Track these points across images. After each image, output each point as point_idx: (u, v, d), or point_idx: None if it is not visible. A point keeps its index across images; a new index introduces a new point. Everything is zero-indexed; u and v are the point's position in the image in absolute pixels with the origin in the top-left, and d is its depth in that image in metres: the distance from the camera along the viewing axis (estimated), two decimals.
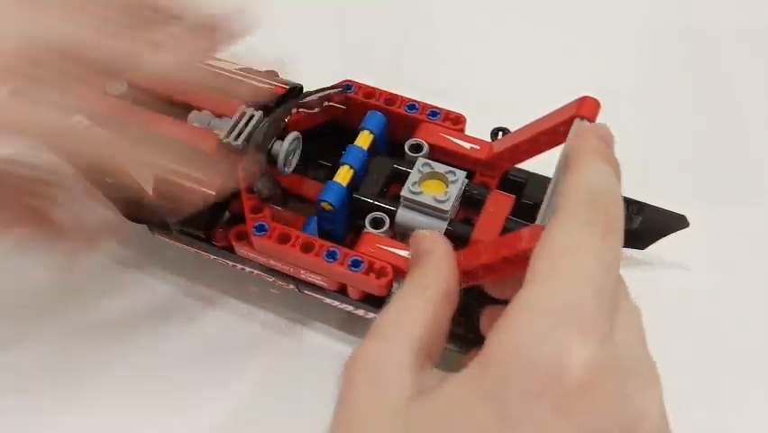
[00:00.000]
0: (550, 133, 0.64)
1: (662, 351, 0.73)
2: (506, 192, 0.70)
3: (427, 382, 0.47)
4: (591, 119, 0.62)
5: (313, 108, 0.72)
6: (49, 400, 0.72)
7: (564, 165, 0.57)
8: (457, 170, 0.68)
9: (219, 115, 0.72)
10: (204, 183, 0.68)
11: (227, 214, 0.72)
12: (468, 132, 0.73)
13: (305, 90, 0.77)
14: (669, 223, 0.74)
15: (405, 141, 0.71)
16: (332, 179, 0.67)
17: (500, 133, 0.73)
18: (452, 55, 0.98)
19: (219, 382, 0.72)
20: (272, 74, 0.80)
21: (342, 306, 0.70)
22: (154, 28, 0.60)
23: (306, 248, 0.64)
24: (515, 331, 0.44)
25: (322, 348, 0.74)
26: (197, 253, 0.74)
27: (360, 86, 0.74)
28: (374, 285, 0.63)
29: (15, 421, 0.71)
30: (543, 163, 0.70)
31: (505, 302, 0.68)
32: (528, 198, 0.72)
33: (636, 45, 0.98)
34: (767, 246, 0.80)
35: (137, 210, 0.74)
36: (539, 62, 0.96)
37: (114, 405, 0.71)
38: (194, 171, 0.68)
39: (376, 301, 0.67)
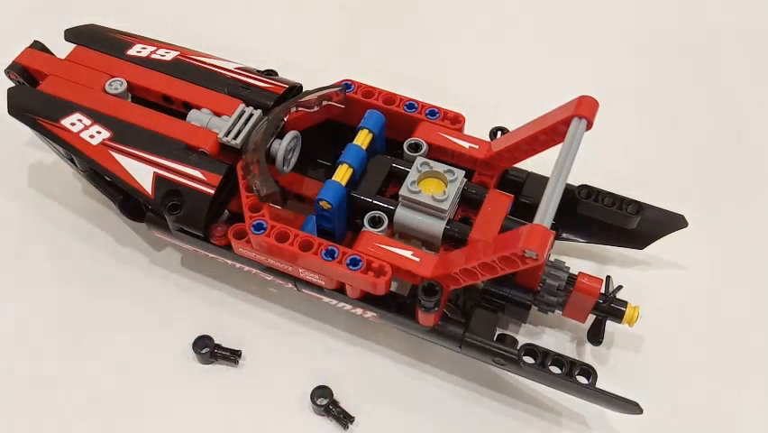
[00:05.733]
0: (549, 132, 0.65)
1: (662, 350, 0.73)
2: (504, 191, 0.70)
3: None
4: (590, 118, 0.62)
5: (312, 107, 0.72)
6: (46, 398, 0.72)
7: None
8: (456, 170, 0.68)
9: (218, 114, 0.72)
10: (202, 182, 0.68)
11: (226, 212, 0.72)
12: (467, 131, 0.73)
13: (304, 89, 0.77)
14: (668, 223, 0.74)
15: (404, 140, 0.71)
16: (331, 177, 0.67)
17: (499, 133, 0.73)
18: (451, 55, 0.98)
19: (220, 382, 0.72)
20: (272, 73, 0.80)
21: (341, 305, 0.70)
22: None
23: (305, 247, 0.64)
24: None
25: (328, 350, 0.75)
26: (197, 251, 0.74)
27: (359, 85, 0.74)
28: (373, 284, 0.63)
29: (14, 422, 0.71)
30: (542, 162, 0.70)
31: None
32: (527, 198, 0.72)
33: (636, 45, 0.98)
34: (766, 246, 0.80)
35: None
36: (538, 62, 0.96)
37: (112, 404, 0.72)
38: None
39: (375, 300, 0.67)
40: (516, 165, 0.71)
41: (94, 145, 0.71)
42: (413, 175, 0.67)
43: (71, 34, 0.80)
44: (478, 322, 0.67)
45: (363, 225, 0.67)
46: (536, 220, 0.56)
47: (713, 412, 0.70)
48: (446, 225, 0.66)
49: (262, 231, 0.65)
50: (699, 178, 0.85)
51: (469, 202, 0.69)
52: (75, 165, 0.77)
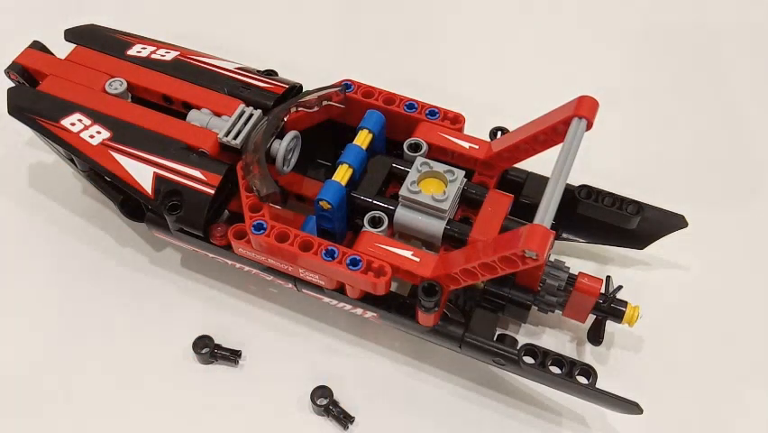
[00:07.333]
0: (549, 132, 0.64)
1: (662, 350, 0.73)
2: (504, 191, 0.70)
3: None
4: (590, 119, 0.62)
5: (312, 107, 0.72)
6: (46, 398, 0.72)
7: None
8: (456, 170, 0.68)
9: (218, 114, 0.72)
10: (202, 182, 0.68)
11: (226, 212, 0.72)
12: (467, 131, 0.73)
13: (304, 89, 0.77)
14: (668, 223, 0.74)
15: (404, 140, 0.71)
16: (331, 177, 0.67)
17: (499, 133, 0.73)
18: (451, 55, 0.98)
19: (220, 382, 0.72)
20: (272, 73, 0.80)
21: (341, 305, 0.70)
22: None
23: (305, 247, 0.64)
24: None
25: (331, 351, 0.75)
26: (197, 251, 0.74)
27: (359, 85, 0.74)
28: (373, 284, 0.63)
29: (14, 421, 0.71)
30: (542, 162, 0.70)
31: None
32: (527, 198, 0.72)
33: (636, 45, 0.98)
34: (766, 246, 0.80)
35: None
36: (538, 62, 0.96)
37: (112, 404, 0.72)
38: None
39: (375, 300, 0.67)
40: (516, 165, 0.71)
41: (94, 145, 0.71)
42: (413, 175, 0.67)
43: (71, 34, 0.80)
44: (478, 322, 0.67)
45: (363, 225, 0.67)
46: (536, 220, 0.56)
47: (713, 412, 0.70)
48: (446, 225, 0.66)
49: (262, 231, 0.65)
50: (699, 178, 0.85)
51: (469, 202, 0.69)
52: (75, 165, 0.77)
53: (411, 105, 0.73)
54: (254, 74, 0.77)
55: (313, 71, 0.84)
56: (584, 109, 0.62)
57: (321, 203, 0.66)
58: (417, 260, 0.64)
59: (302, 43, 0.98)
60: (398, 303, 0.67)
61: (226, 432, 0.70)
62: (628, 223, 0.72)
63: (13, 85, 0.78)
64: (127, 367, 0.73)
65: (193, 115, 0.73)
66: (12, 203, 0.84)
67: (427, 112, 0.73)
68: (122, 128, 0.72)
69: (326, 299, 0.70)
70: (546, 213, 0.56)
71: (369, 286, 0.64)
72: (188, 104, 0.74)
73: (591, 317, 0.70)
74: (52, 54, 0.79)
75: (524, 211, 0.70)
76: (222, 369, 0.73)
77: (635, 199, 0.71)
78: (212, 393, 0.72)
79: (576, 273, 0.68)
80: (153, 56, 0.78)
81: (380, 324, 0.70)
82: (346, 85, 0.74)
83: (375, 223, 0.67)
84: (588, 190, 0.72)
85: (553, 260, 0.69)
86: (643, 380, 0.71)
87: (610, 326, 0.70)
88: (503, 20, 1.01)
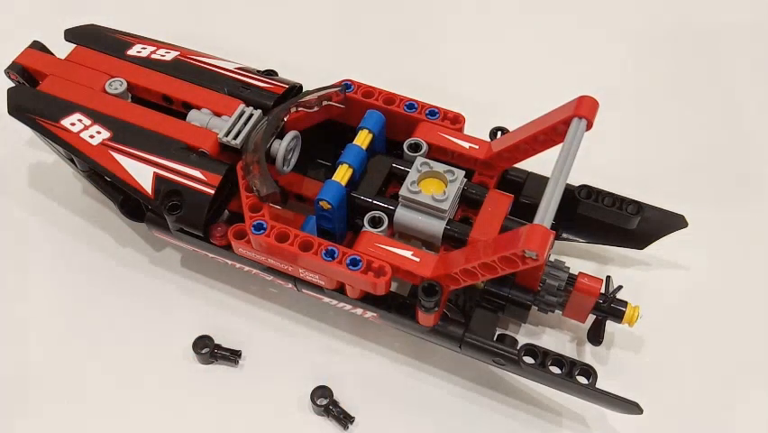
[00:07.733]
0: (549, 132, 0.65)
1: (662, 350, 0.73)
2: (504, 191, 0.70)
3: None
4: (590, 119, 0.62)
5: (312, 107, 0.72)
6: (46, 398, 0.72)
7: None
8: (456, 170, 0.68)
9: (218, 114, 0.72)
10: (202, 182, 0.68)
11: (226, 212, 0.72)
12: (467, 131, 0.73)
13: (304, 89, 0.77)
14: (668, 223, 0.74)
15: (404, 140, 0.71)
16: (331, 177, 0.67)
17: (499, 133, 0.73)
18: (451, 55, 0.98)
19: (220, 382, 0.72)
20: (272, 73, 0.80)
21: (341, 305, 0.70)
22: None
23: (305, 247, 0.64)
24: None
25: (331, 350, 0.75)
26: (197, 251, 0.74)
27: (359, 85, 0.74)
28: (373, 284, 0.63)
29: (14, 421, 0.71)
30: (542, 162, 0.70)
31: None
32: (527, 198, 0.72)
33: (637, 45, 0.98)
34: (766, 246, 0.80)
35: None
36: (538, 62, 0.96)
37: (112, 404, 0.72)
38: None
39: (375, 300, 0.67)
40: (516, 165, 0.71)
41: (94, 145, 0.71)
42: (413, 175, 0.67)
43: (71, 34, 0.80)
44: (478, 322, 0.67)
45: (363, 225, 0.67)
46: (536, 220, 0.56)
47: (713, 412, 0.70)
48: (446, 225, 0.66)
49: (262, 231, 0.65)
50: (699, 178, 0.85)
51: (469, 202, 0.69)
52: (75, 165, 0.77)
53: (411, 105, 0.73)
54: (254, 74, 0.77)
55: (313, 71, 0.84)
56: (584, 109, 0.62)
57: (321, 203, 0.66)
58: (417, 260, 0.64)
59: (302, 43, 0.98)
60: (398, 303, 0.67)
61: (226, 432, 0.70)
62: (628, 223, 0.72)
63: (13, 85, 0.78)
64: (127, 367, 0.73)
65: (193, 115, 0.73)
66: (12, 203, 0.84)
67: (427, 112, 0.73)
68: (122, 128, 0.72)
69: (326, 299, 0.71)
70: (546, 213, 0.56)
71: (369, 286, 0.64)
72: (188, 104, 0.74)
73: (591, 317, 0.70)
74: (52, 54, 0.79)
75: (524, 211, 0.70)
76: (222, 369, 0.73)
77: (635, 199, 0.71)
78: (212, 393, 0.72)
79: (576, 273, 0.68)
80: (153, 56, 0.78)
81: (380, 324, 0.70)
82: (346, 85, 0.74)
83: (375, 223, 0.67)
84: (588, 190, 0.72)
85: (553, 260, 0.69)
86: (643, 380, 0.71)
87: (610, 326, 0.70)
88: (503, 20, 1.01)
